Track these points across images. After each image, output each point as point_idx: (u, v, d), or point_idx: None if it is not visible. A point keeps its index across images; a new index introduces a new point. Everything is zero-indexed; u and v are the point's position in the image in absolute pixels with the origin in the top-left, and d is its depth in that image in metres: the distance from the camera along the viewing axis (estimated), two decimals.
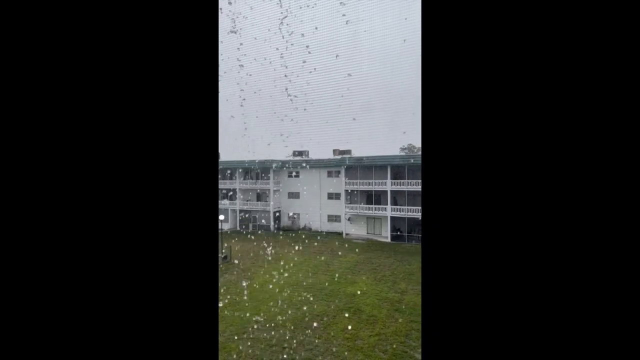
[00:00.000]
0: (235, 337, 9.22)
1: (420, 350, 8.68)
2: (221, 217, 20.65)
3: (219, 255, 17.97)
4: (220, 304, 11.56)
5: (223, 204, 29.54)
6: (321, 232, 26.29)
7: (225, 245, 19.04)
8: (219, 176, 30.66)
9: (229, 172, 30.26)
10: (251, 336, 9.31)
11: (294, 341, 9.03)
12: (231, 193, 29.65)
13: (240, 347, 8.67)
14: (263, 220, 28.44)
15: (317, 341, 9.05)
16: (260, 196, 29.49)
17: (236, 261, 17.76)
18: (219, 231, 20.73)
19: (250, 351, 8.55)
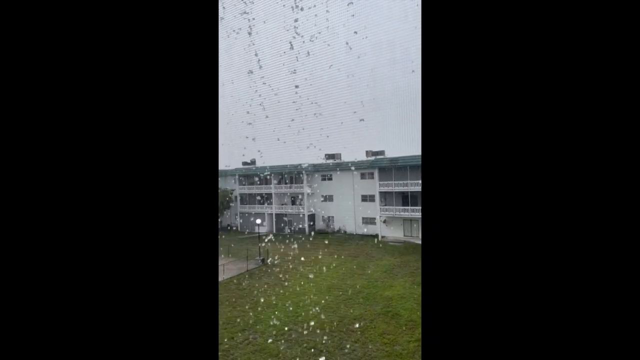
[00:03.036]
0: (273, 339, 9.41)
1: None
2: (258, 220, 21.25)
3: (257, 258, 18.48)
4: (259, 308, 11.86)
5: (259, 208, 30.39)
6: (356, 234, 26.09)
7: (256, 245, 19.52)
8: (255, 181, 31.59)
9: (263, 177, 31.11)
10: (289, 338, 9.45)
11: (331, 344, 9.03)
12: (266, 197, 30.44)
13: (280, 349, 8.84)
14: (299, 224, 28.83)
15: (354, 345, 8.98)
16: (295, 200, 29.94)
17: (272, 263, 18.16)
18: (257, 234, 21.32)
19: (288, 353, 8.69)
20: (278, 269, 16.98)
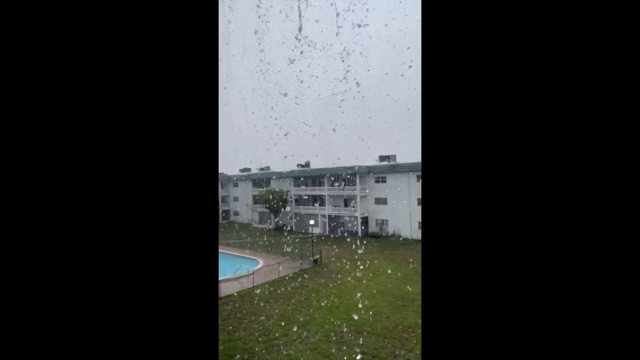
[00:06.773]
0: (324, 340, 9.45)
1: None
2: (311, 222, 21.65)
3: (310, 258, 18.80)
4: (312, 308, 12.03)
5: (313, 209, 30.92)
6: (411, 239, 25.07)
7: (310, 245, 19.79)
8: (309, 183, 32.24)
9: (318, 179, 31.61)
10: (340, 340, 9.41)
11: (384, 351, 8.76)
12: (319, 199, 30.85)
13: (333, 351, 8.84)
14: (351, 227, 28.67)
15: (409, 354, 8.60)
16: (348, 202, 29.85)
17: (324, 264, 18.30)
18: (311, 236, 21.70)
19: (339, 355, 8.65)
20: (330, 270, 17.06)
